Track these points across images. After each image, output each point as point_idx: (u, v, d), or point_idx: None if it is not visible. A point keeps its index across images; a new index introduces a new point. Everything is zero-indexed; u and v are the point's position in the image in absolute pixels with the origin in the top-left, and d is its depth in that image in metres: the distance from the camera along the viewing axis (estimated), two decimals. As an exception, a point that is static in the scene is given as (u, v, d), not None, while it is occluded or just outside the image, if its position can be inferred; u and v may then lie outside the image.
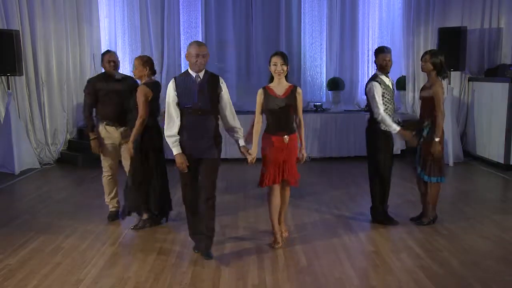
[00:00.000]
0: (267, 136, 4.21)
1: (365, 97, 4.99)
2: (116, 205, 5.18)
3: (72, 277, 3.77)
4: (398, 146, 7.75)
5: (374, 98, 4.74)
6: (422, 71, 4.95)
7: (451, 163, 7.61)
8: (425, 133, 4.82)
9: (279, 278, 3.71)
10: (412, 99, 8.82)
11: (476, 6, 8.23)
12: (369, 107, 4.96)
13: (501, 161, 7.35)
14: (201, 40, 8.78)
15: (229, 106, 4.07)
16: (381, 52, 4.88)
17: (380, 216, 5.00)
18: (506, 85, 7.25)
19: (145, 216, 4.88)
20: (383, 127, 4.80)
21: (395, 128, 4.72)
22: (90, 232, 4.77)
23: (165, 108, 4.06)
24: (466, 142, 8.37)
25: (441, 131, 4.70)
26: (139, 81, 4.81)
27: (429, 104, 4.78)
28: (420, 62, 4.93)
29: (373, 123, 4.88)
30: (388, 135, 4.89)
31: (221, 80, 4.07)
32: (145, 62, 4.72)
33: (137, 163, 4.74)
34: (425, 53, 4.91)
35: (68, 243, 4.48)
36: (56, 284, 3.65)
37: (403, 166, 7.12)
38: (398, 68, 8.78)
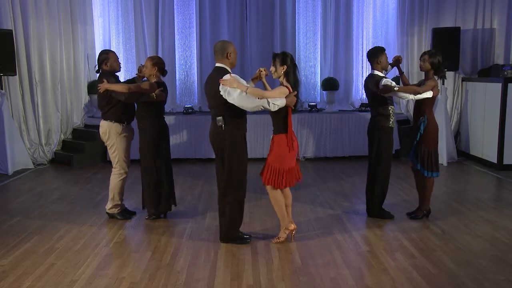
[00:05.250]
0: (288, 137, 4.20)
1: (363, 96, 5.02)
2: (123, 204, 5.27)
3: (66, 278, 3.75)
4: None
5: (394, 89, 4.70)
6: (421, 70, 5.04)
7: (445, 162, 7.64)
8: (421, 129, 4.87)
9: (274, 278, 3.71)
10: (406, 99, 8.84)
11: (470, 7, 8.30)
12: (372, 105, 4.99)
13: (495, 160, 7.40)
14: (195, 40, 8.85)
15: None
16: (383, 51, 4.91)
17: (377, 211, 5.08)
18: (499, 85, 7.30)
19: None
20: (390, 123, 4.86)
21: (413, 97, 4.79)
22: (84, 233, 4.75)
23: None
24: (460, 142, 8.42)
25: (404, 90, 4.81)
26: (145, 79, 5.06)
27: (423, 102, 4.86)
28: (417, 62, 4.99)
29: (377, 121, 4.91)
30: (391, 134, 4.94)
31: None
32: (155, 63, 4.95)
33: (149, 161, 4.95)
34: (424, 53, 5.00)
35: (62, 244, 4.46)
36: (50, 285, 3.63)
37: (398, 165, 7.14)
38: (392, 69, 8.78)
